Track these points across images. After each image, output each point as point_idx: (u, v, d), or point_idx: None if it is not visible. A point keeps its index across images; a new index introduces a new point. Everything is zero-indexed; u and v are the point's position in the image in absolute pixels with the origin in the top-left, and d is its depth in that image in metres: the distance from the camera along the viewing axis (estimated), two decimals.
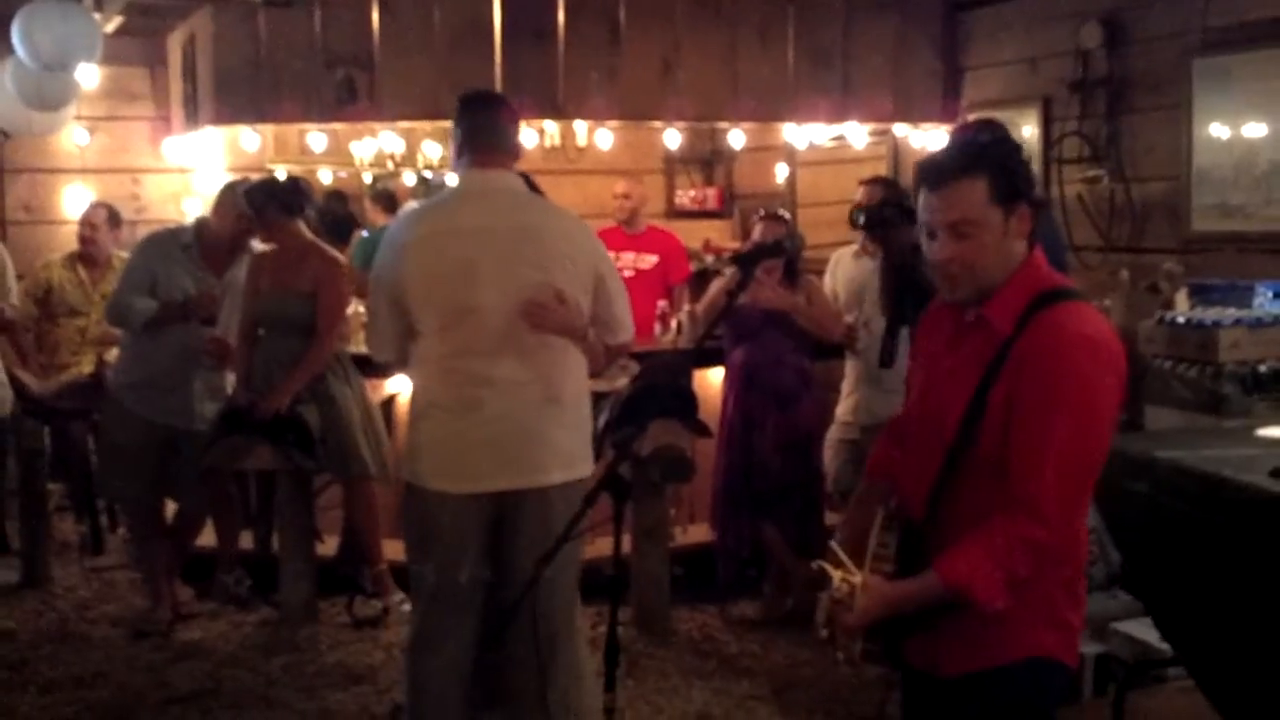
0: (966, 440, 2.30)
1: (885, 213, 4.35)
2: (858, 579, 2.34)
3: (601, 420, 4.77)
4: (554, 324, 3.33)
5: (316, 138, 6.65)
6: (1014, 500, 2.23)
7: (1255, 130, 5.13)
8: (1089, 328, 2.29)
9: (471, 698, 3.49)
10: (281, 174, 6.60)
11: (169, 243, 5.16)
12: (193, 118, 6.54)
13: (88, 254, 6.47)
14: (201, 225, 5.26)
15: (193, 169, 7.45)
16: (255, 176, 5.64)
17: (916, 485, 2.40)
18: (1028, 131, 6.21)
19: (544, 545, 3.28)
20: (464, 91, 3.61)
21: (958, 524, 2.28)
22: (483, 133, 3.42)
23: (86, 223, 6.50)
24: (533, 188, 3.74)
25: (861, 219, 4.58)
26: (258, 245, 5.15)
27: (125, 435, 5.11)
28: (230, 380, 5.16)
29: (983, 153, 2.34)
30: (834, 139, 7.05)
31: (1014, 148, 2.40)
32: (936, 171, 2.34)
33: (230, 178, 6.01)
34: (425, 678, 3.45)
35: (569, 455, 3.44)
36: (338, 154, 7.52)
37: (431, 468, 3.40)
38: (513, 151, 3.51)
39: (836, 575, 2.37)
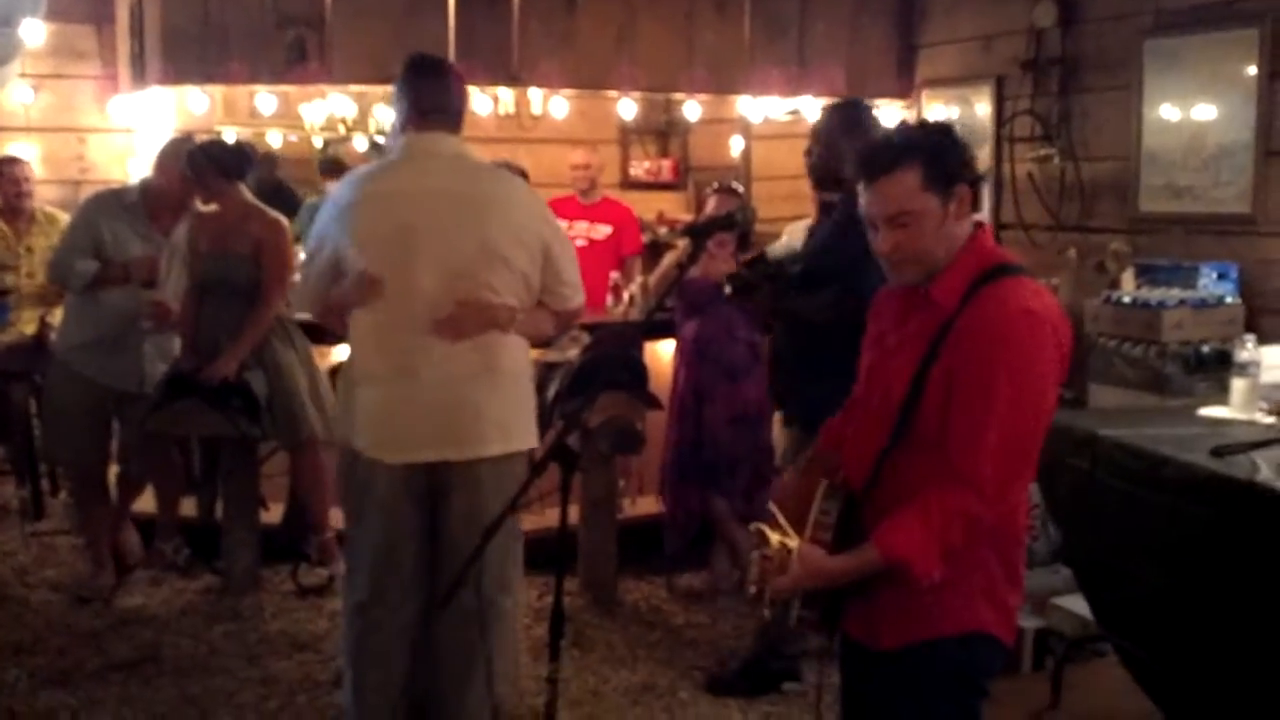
0: (909, 415, 2.32)
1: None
2: (794, 543, 2.36)
3: (552, 391, 4.77)
4: (474, 330, 3.29)
5: (266, 99, 6.53)
6: (952, 473, 2.25)
7: (1204, 112, 5.18)
8: (1030, 301, 2.30)
9: (411, 668, 3.47)
10: (230, 136, 6.50)
11: (112, 202, 5.09)
12: (140, 77, 6.41)
13: (14, 208, 6.31)
14: (147, 185, 5.18)
15: (139, 129, 7.31)
16: (200, 137, 5.54)
17: (861, 458, 2.42)
18: (980, 110, 6.24)
19: (472, 520, 3.24)
20: (411, 54, 3.51)
21: (898, 497, 2.30)
22: (430, 96, 3.35)
23: (18, 178, 6.35)
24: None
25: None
26: (199, 206, 5.08)
27: (69, 398, 5.04)
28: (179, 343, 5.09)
29: (914, 142, 2.34)
30: (789, 113, 7.05)
31: (945, 132, 2.40)
32: (871, 165, 2.35)
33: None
34: (367, 645, 3.42)
35: (506, 426, 3.39)
36: (287, 117, 7.41)
37: (367, 436, 3.36)
38: (460, 118, 3.44)
39: (774, 538, 2.39)
